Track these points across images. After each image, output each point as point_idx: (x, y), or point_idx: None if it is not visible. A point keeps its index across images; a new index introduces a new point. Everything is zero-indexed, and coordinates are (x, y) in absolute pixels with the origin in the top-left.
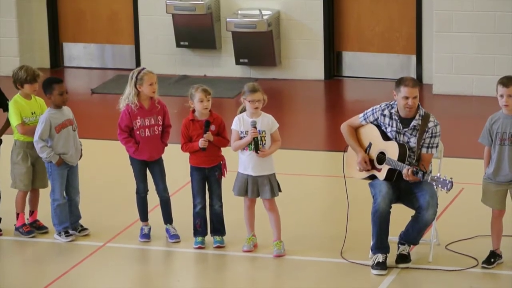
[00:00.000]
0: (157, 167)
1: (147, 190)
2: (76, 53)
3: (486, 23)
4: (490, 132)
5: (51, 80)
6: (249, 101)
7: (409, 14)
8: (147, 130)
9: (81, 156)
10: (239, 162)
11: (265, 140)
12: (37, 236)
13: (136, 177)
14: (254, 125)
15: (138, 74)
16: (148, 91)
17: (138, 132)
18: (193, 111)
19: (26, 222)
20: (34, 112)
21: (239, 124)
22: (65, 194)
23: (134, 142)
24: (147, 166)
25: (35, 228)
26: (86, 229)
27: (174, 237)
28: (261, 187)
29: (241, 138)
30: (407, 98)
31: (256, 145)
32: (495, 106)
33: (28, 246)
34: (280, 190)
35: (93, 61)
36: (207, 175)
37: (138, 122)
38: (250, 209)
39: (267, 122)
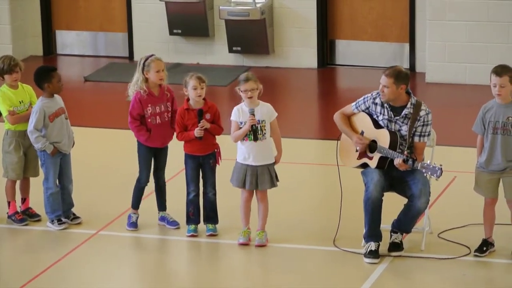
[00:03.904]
0: (163, 153)
1: (148, 181)
2: (69, 40)
3: (480, 12)
4: (483, 120)
5: (47, 69)
6: (242, 91)
7: (402, 2)
8: (158, 117)
9: (73, 144)
10: (238, 153)
11: (265, 129)
12: (30, 224)
13: (141, 164)
14: (252, 113)
15: (146, 61)
16: (155, 78)
17: (149, 120)
18: (188, 99)
19: (19, 210)
20: (22, 101)
21: (238, 114)
22: (57, 183)
23: (146, 130)
24: (154, 154)
25: (27, 216)
26: (78, 217)
27: (174, 224)
28: (260, 177)
29: (240, 128)
30: (380, 83)
31: (254, 133)
32: (488, 94)
33: (21, 234)
34: (278, 180)
35: (86, 48)
36: (201, 163)
37: (149, 109)
38: (247, 203)
39: (266, 111)
